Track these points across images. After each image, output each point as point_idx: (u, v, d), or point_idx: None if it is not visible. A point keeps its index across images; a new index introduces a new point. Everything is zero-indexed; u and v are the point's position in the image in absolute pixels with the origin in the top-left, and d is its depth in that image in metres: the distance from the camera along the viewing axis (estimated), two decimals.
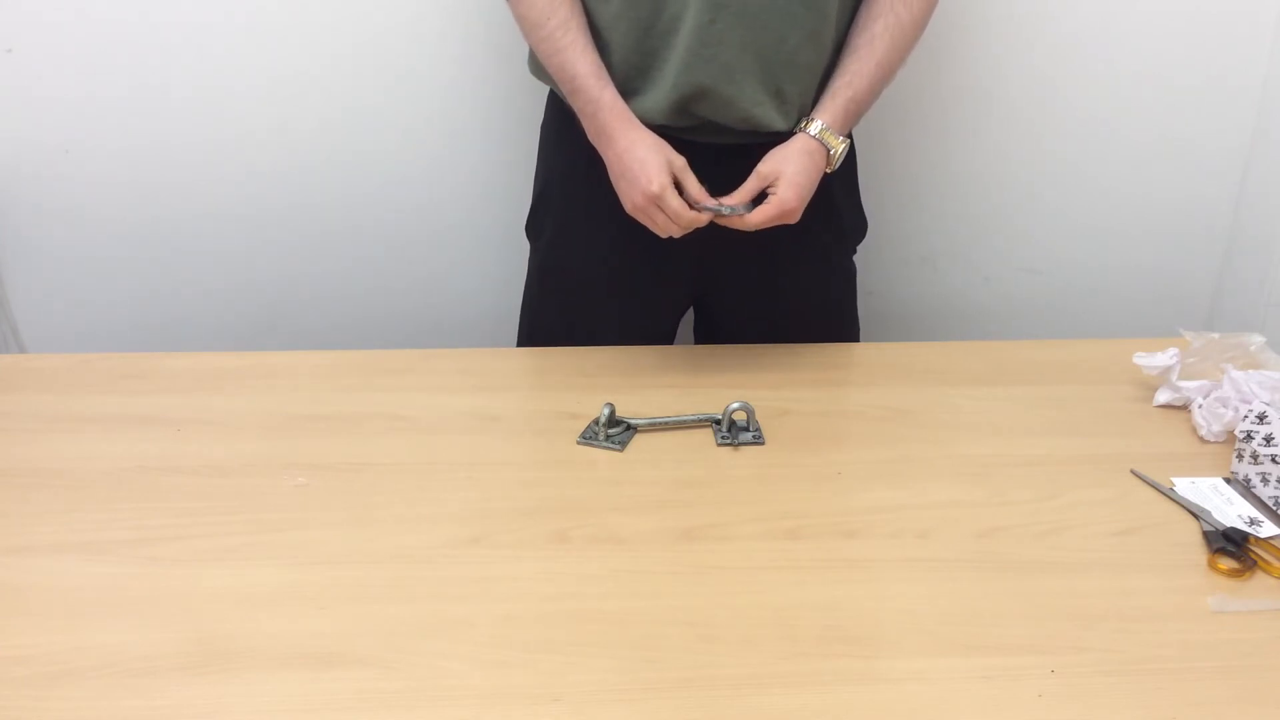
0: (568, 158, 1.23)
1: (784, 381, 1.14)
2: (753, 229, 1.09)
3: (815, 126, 1.10)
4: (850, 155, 1.27)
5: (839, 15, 1.12)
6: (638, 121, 1.09)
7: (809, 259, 1.24)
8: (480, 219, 1.58)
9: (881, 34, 1.12)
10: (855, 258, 1.31)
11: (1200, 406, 1.06)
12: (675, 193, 1.07)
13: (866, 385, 1.15)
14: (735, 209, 1.08)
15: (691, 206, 1.08)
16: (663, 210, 1.07)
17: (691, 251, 1.23)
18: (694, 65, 1.07)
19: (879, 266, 1.63)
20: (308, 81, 1.47)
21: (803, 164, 1.08)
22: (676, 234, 1.10)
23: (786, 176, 1.07)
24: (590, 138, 1.12)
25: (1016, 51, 1.52)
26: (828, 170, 1.12)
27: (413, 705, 0.70)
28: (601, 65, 1.10)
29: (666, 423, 1.05)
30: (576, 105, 1.11)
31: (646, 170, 1.06)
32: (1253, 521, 0.91)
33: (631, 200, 1.09)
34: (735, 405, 1.03)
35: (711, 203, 1.08)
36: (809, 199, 1.10)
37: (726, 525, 0.89)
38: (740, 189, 1.08)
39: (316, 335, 1.63)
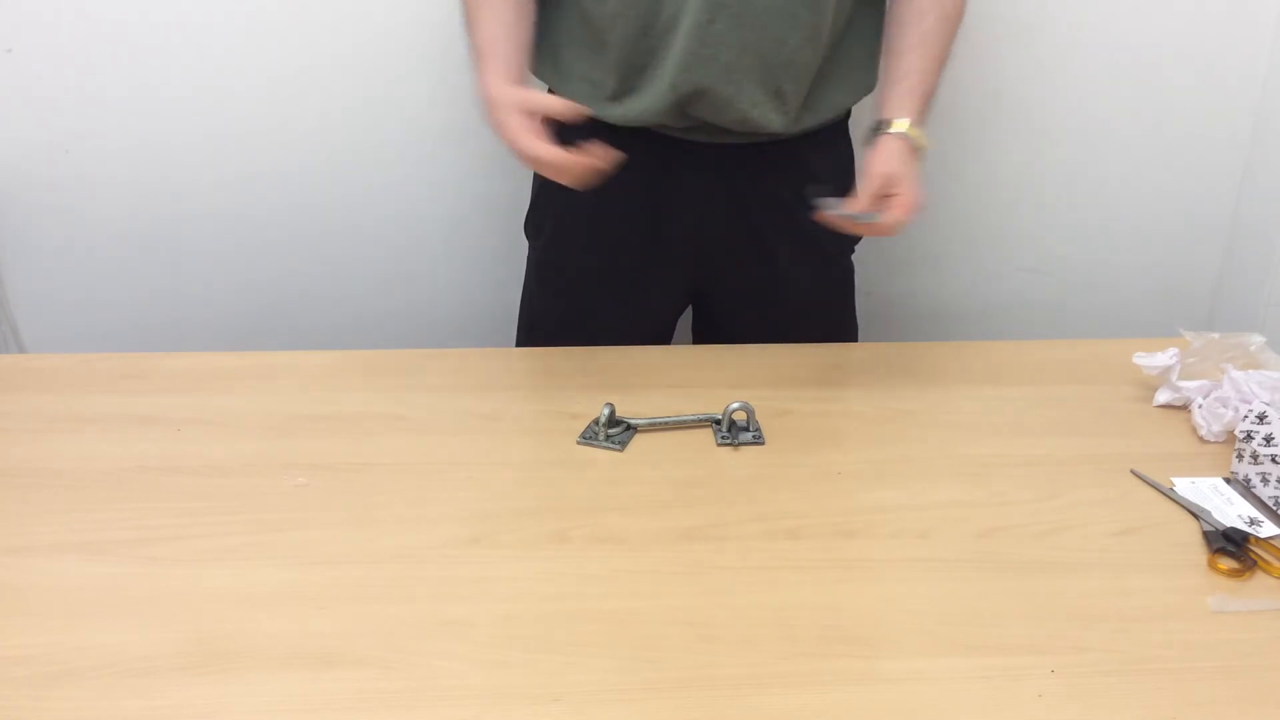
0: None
1: (784, 381, 1.14)
2: (892, 233, 1.05)
3: (898, 125, 1.08)
4: (849, 154, 1.27)
5: (836, 16, 1.12)
6: (504, 87, 1.03)
7: (807, 258, 1.25)
8: (479, 218, 1.58)
9: (935, 26, 1.11)
10: (854, 257, 1.31)
11: (1200, 406, 1.06)
12: (531, 138, 0.99)
13: (866, 385, 1.15)
14: (868, 215, 1.03)
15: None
16: (505, 128, 1.00)
17: (690, 249, 1.23)
18: (693, 65, 1.07)
19: (878, 266, 1.63)
20: (307, 81, 1.47)
21: (911, 162, 1.07)
22: (573, 176, 1.00)
23: (907, 177, 1.04)
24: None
25: (1016, 51, 1.52)
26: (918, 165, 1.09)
27: (413, 705, 0.70)
28: (496, 40, 1.07)
29: (666, 423, 1.05)
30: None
31: (502, 125, 1.01)
32: (1253, 521, 0.91)
33: (522, 160, 1.02)
34: (735, 405, 1.03)
35: (840, 209, 1.03)
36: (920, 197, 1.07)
37: (726, 525, 0.89)
38: (861, 193, 1.04)
39: (316, 335, 1.63)
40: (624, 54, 1.10)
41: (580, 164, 0.99)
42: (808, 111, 1.16)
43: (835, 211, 1.04)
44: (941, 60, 1.13)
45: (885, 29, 1.16)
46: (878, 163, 1.06)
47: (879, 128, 1.09)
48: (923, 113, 1.11)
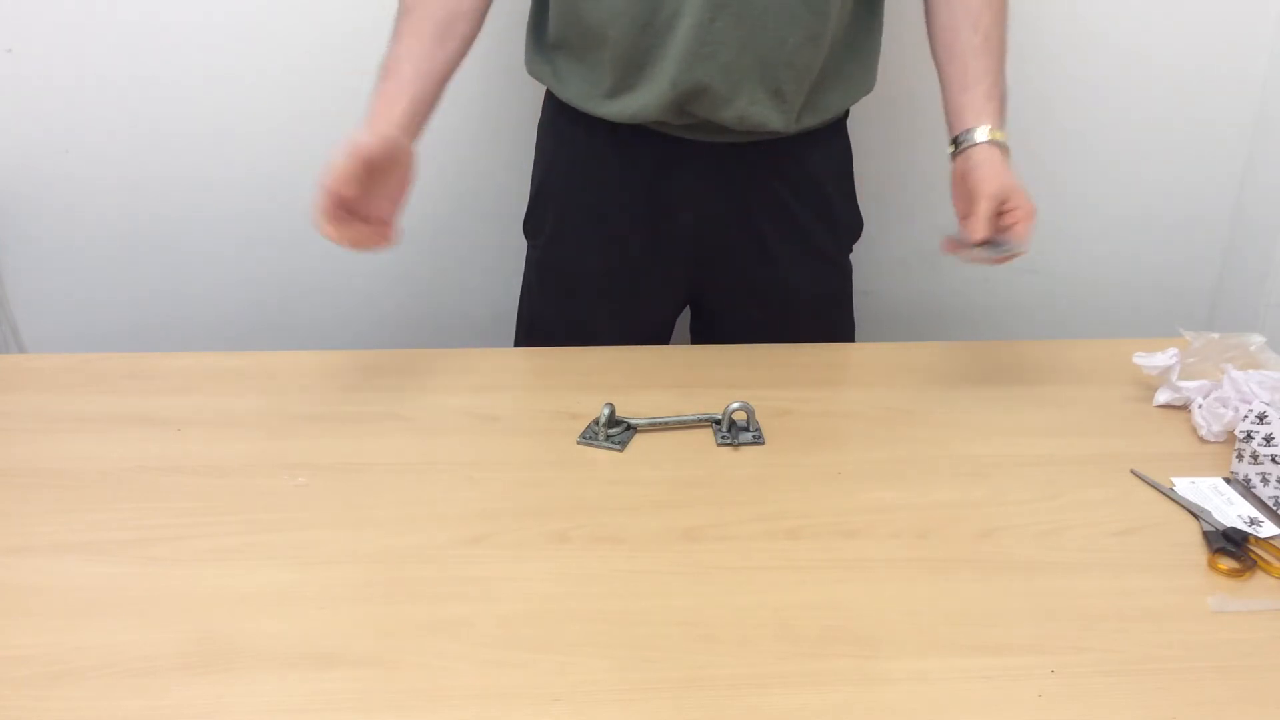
0: (565, 156, 1.23)
1: (784, 381, 1.14)
2: (1020, 241, 1.00)
3: (984, 132, 1.04)
4: (847, 153, 1.27)
5: (839, 16, 1.12)
6: (380, 121, 1.01)
7: (804, 258, 1.25)
8: (478, 218, 1.58)
9: (993, 26, 1.09)
10: (852, 257, 1.31)
11: (1200, 406, 1.06)
12: (338, 179, 0.95)
13: (866, 385, 1.15)
14: (1007, 244, 0.98)
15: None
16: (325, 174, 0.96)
17: (688, 249, 1.23)
18: (693, 64, 1.07)
19: (877, 266, 1.63)
20: (308, 81, 1.47)
21: (1004, 168, 1.03)
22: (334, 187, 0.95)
23: (1018, 187, 1.01)
24: None
25: (1015, 51, 1.52)
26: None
27: (413, 705, 0.70)
28: (408, 85, 1.04)
29: (666, 423, 1.05)
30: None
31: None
32: (1253, 521, 0.91)
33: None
34: (735, 405, 1.03)
35: (973, 247, 0.99)
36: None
37: (726, 525, 0.89)
38: (981, 220, 0.99)
39: (316, 335, 1.63)
40: (622, 51, 1.10)
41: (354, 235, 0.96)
42: (807, 111, 1.16)
43: (972, 252, 0.99)
44: (1005, 57, 1.10)
45: (937, 31, 1.12)
46: (986, 181, 1.00)
47: (965, 139, 1.05)
48: (1004, 115, 1.08)
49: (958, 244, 1.02)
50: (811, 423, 1.06)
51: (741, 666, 0.74)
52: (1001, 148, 1.05)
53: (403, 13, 1.07)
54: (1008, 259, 1.01)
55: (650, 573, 0.83)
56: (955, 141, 1.08)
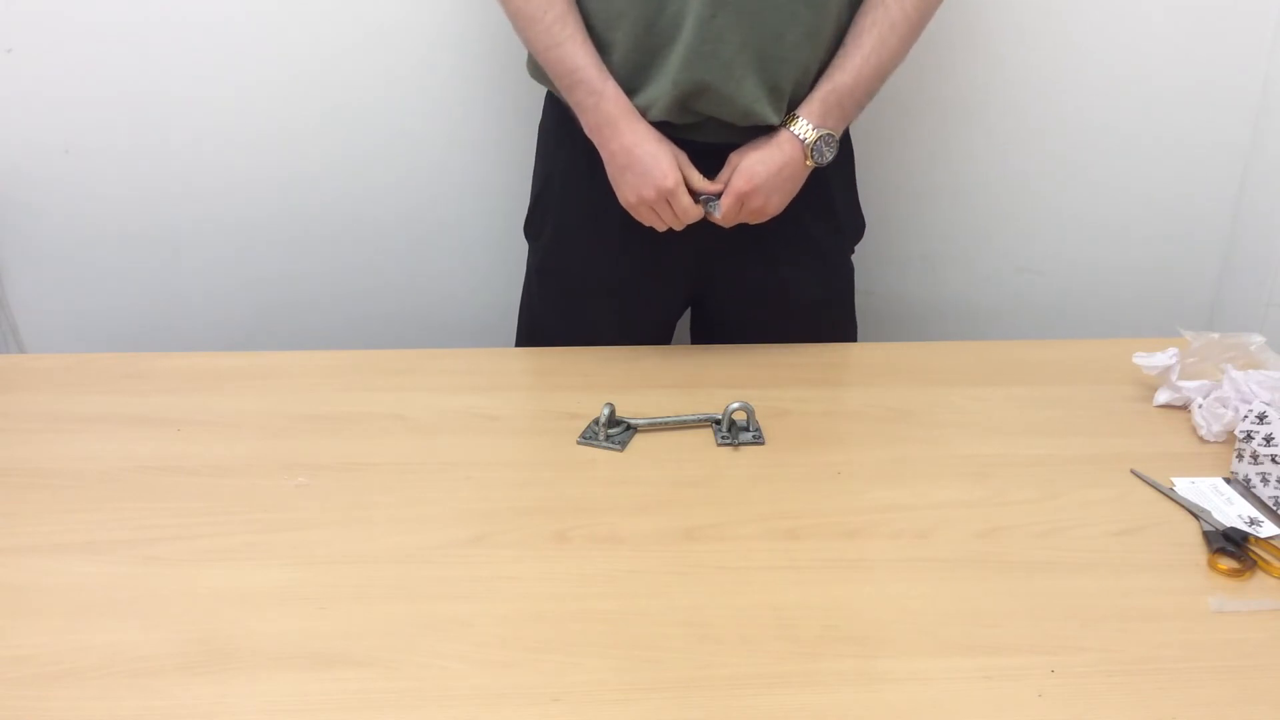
0: (566, 158, 1.23)
1: (784, 381, 1.14)
2: (726, 225, 1.12)
3: (796, 126, 1.11)
4: (848, 154, 1.27)
5: (839, 14, 1.12)
6: (640, 116, 1.10)
7: (806, 258, 1.25)
8: (479, 219, 1.58)
9: (869, 29, 1.11)
10: (854, 257, 1.31)
11: (1200, 406, 1.06)
12: (685, 188, 1.09)
13: (866, 385, 1.15)
14: (711, 199, 1.11)
15: (696, 200, 1.10)
16: (671, 205, 1.08)
17: (689, 251, 1.23)
18: (694, 61, 1.07)
19: (878, 266, 1.63)
20: (308, 82, 1.47)
21: (765, 154, 1.10)
22: (678, 228, 1.11)
23: (741, 166, 1.10)
24: (589, 132, 1.12)
25: (1016, 51, 1.52)
26: (812, 164, 1.12)
27: (413, 705, 0.70)
28: (600, 59, 1.10)
29: (666, 423, 1.05)
30: (576, 99, 1.11)
31: (660, 164, 1.08)
32: (1253, 521, 0.91)
33: (639, 194, 1.09)
34: (735, 405, 1.03)
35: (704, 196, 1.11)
36: (782, 189, 1.11)
37: (726, 525, 0.89)
38: (697, 180, 1.11)
39: (316, 335, 1.63)
40: (628, 53, 1.10)
41: (698, 215, 1.11)
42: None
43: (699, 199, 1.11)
44: (872, 61, 1.11)
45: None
46: (751, 158, 1.10)
47: (785, 122, 1.12)
48: (825, 108, 1.11)
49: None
50: (811, 423, 1.06)
51: (741, 666, 0.74)
52: (795, 136, 1.10)
53: (553, 21, 1.09)
54: (710, 216, 1.12)
55: (650, 573, 0.83)
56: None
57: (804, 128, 1.10)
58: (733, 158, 1.12)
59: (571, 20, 1.09)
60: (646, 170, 1.08)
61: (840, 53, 1.13)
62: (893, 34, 1.12)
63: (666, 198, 1.08)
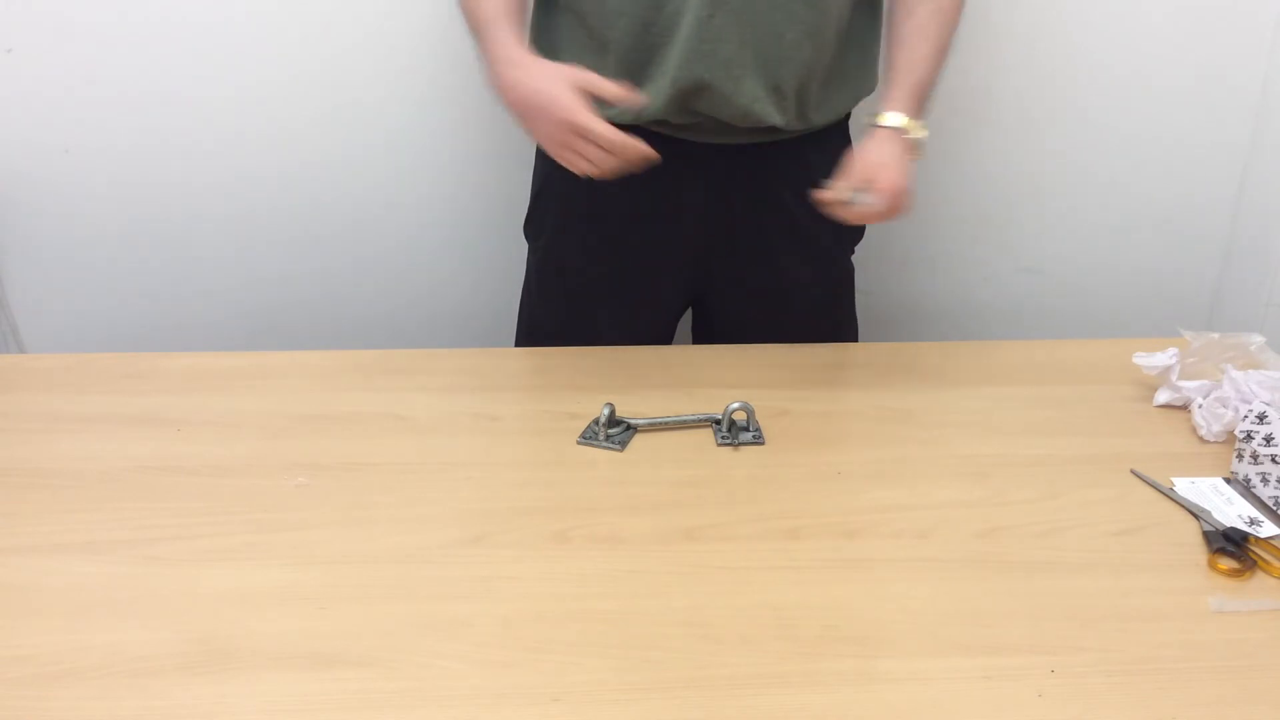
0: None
1: (784, 381, 1.14)
2: (879, 218, 1.06)
3: (893, 119, 1.09)
4: (849, 154, 1.27)
5: (840, 13, 1.12)
6: (535, 57, 1.03)
7: (807, 259, 1.25)
8: (479, 219, 1.58)
9: (930, 18, 1.12)
10: (854, 257, 1.31)
11: (1200, 406, 1.06)
12: (594, 114, 0.97)
13: (866, 385, 1.15)
14: (857, 196, 1.04)
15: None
16: (587, 137, 0.97)
17: (689, 251, 1.23)
18: (693, 60, 1.07)
19: (878, 266, 1.63)
20: (307, 81, 1.47)
21: (898, 154, 1.07)
22: (612, 164, 0.99)
23: (890, 165, 1.05)
24: (492, 88, 1.05)
25: (1016, 52, 1.52)
26: (914, 158, 1.10)
27: (413, 705, 0.70)
28: (511, 11, 1.05)
29: (666, 423, 1.05)
30: (481, 51, 1.06)
31: (553, 96, 0.97)
32: (1253, 521, 0.91)
33: (549, 136, 0.99)
34: (735, 405, 1.03)
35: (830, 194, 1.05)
36: (907, 185, 1.07)
37: (726, 525, 0.89)
38: (842, 181, 1.05)
39: (316, 335, 1.63)
40: (625, 53, 1.10)
41: (639, 148, 0.97)
42: (809, 111, 1.16)
43: (827, 194, 1.05)
44: (941, 49, 1.13)
45: (888, 23, 1.16)
46: (862, 153, 1.07)
47: (875, 121, 1.10)
48: (917, 105, 1.11)
49: (824, 194, 1.06)
50: (811, 423, 1.06)
51: (741, 666, 0.74)
52: (904, 134, 1.08)
53: None
54: (856, 212, 1.05)
55: (650, 573, 0.83)
56: (866, 125, 1.11)
57: (909, 124, 1.08)
58: (856, 165, 1.06)
59: None
60: (543, 107, 0.98)
61: (906, 45, 1.12)
62: (950, 19, 1.13)
63: (575, 130, 0.97)
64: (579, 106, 0.97)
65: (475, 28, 1.09)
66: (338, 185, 1.55)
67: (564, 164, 1.01)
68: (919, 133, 1.10)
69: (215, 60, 1.46)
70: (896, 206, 1.06)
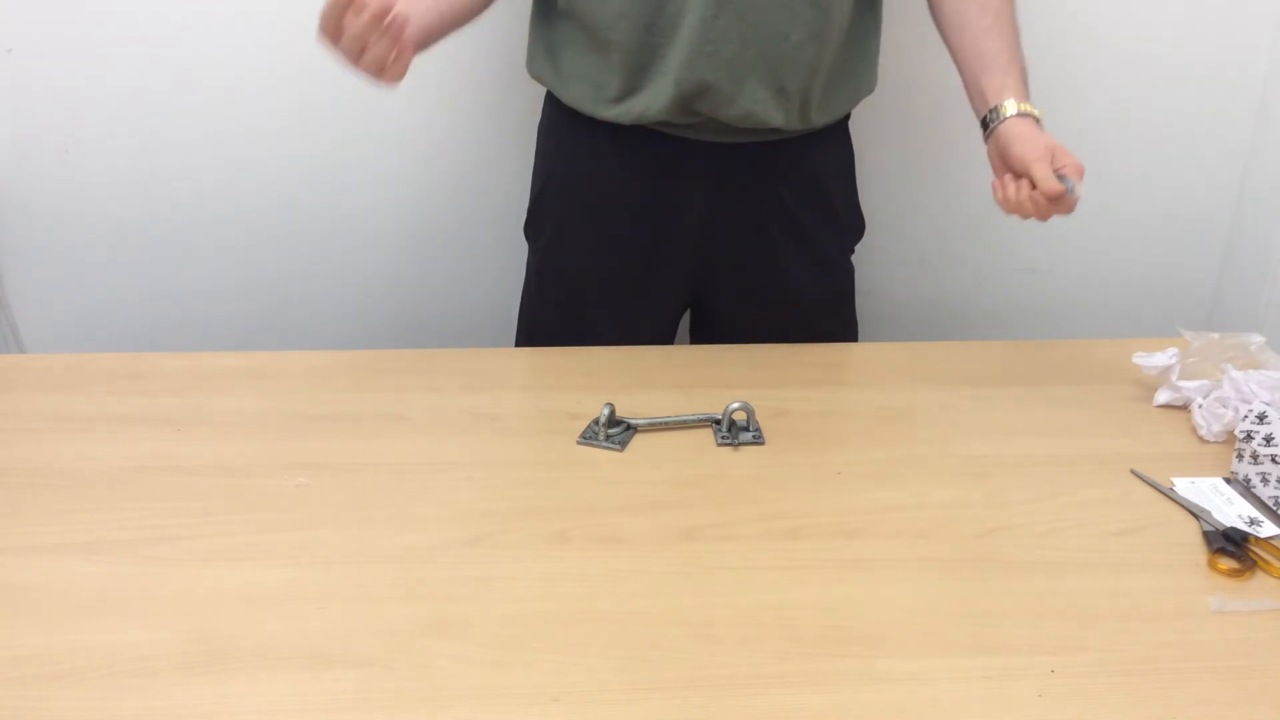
0: (566, 158, 1.23)
1: (784, 381, 1.14)
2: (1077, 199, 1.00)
3: (1011, 106, 1.04)
4: (848, 154, 1.27)
5: (842, 13, 1.12)
6: None
7: (807, 259, 1.25)
8: (479, 219, 1.58)
9: (1001, 6, 1.09)
10: (854, 257, 1.31)
11: (1200, 406, 1.06)
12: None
13: (866, 385, 1.15)
14: (1069, 183, 0.98)
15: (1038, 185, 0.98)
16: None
17: (689, 251, 1.23)
18: (696, 61, 1.07)
19: (878, 266, 1.63)
20: (308, 82, 1.47)
21: (1044, 134, 1.03)
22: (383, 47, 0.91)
23: (1059, 146, 1.01)
24: None
25: None
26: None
27: (413, 705, 0.70)
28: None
29: (666, 423, 1.05)
30: None
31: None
32: (1253, 521, 0.91)
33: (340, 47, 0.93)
34: (735, 405, 1.03)
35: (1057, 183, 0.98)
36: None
37: (726, 525, 0.89)
38: (1045, 181, 0.98)
39: (316, 335, 1.63)
40: (628, 53, 1.10)
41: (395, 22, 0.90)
42: (816, 110, 1.16)
43: (1045, 188, 0.98)
44: (1018, 36, 1.10)
45: (946, 20, 1.13)
46: (1030, 148, 1.00)
47: (994, 117, 1.05)
48: (1026, 88, 1.07)
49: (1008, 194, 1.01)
50: (811, 423, 1.06)
51: (741, 666, 0.74)
52: (1032, 117, 1.04)
53: None
54: (1067, 201, 0.99)
55: (650, 573, 0.83)
56: (985, 123, 1.07)
57: (1031, 107, 1.05)
58: (1028, 154, 1.00)
59: None
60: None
61: (991, 37, 1.08)
62: (1014, 6, 1.11)
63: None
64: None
65: None
66: (338, 185, 1.55)
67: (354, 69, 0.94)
68: (1038, 112, 1.05)
69: (215, 60, 1.46)
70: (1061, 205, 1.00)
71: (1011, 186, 1.02)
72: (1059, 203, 0.99)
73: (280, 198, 1.55)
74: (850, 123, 1.27)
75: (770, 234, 1.22)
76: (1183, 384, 1.09)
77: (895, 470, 0.98)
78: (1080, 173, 0.99)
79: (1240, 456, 0.97)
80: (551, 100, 1.26)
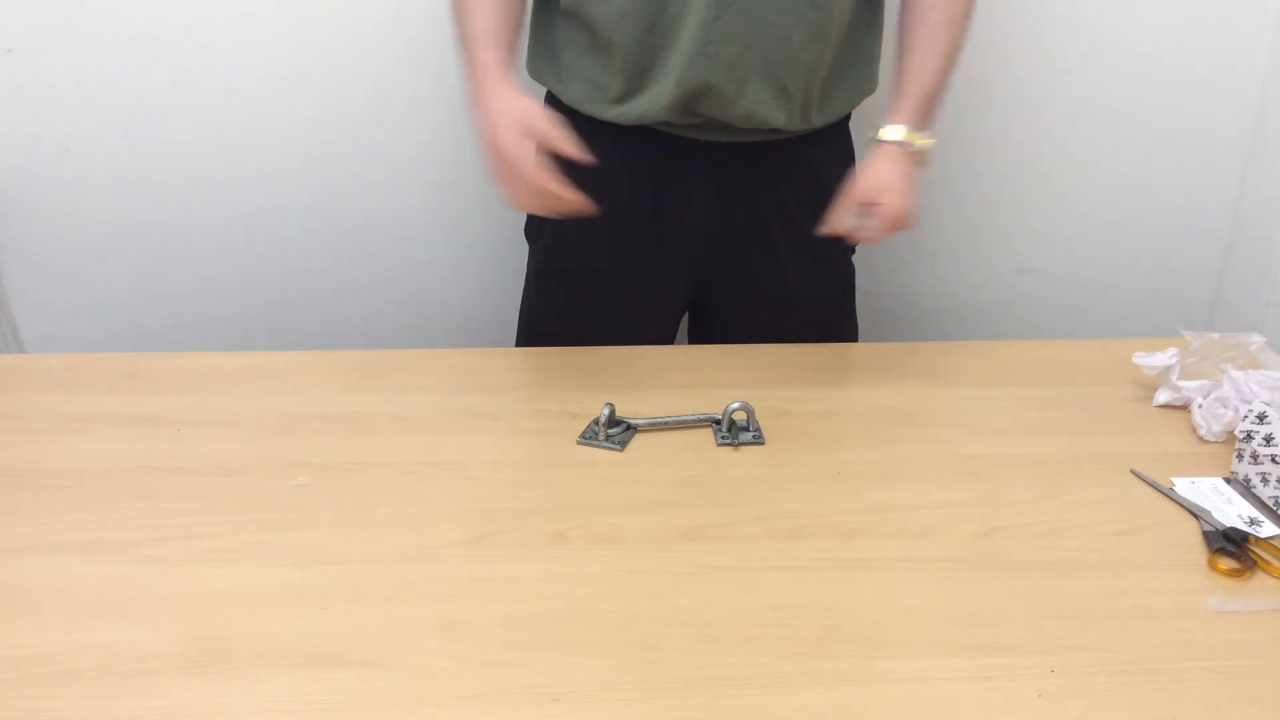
0: (566, 158, 1.23)
1: (784, 381, 1.14)
2: (874, 241, 1.09)
3: (895, 133, 1.09)
4: (850, 154, 1.27)
5: (842, 13, 1.12)
6: (513, 84, 1.04)
7: (807, 259, 1.24)
8: (479, 219, 1.58)
9: (941, 25, 1.11)
10: (854, 257, 1.31)
11: (1200, 406, 1.06)
12: (522, 143, 0.99)
13: (866, 385, 1.15)
14: (863, 228, 1.07)
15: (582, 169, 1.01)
16: (511, 165, 1.00)
17: (689, 251, 1.23)
18: (697, 62, 1.07)
19: (878, 266, 1.63)
20: (308, 81, 1.47)
21: (901, 170, 1.08)
22: (528, 200, 1.03)
23: (893, 187, 1.06)
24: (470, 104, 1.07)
25: (1016, 51, 1.52)
26: (921, 168, 1.10)
27: (413, 705, 0.70)
28: (499, 30, 1.06)
29: (666, 423, 1.05)
30: (466, 70, 1.07)
31: (493, 120, 1.01)
32: (1253, 521, 0.91)
33: (493, 170, 1.03)
34: (735, 405, 1.03)
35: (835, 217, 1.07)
36: (908, 194, 1.07)
37: (726, 525, 0.89)
38: (845, 201, 1.07)
39: (316, 335, 1.63)
40: (629, 54, 1.10)
41: (573, 201, 1.01)
42: (817, 111, 1.16)
43: (832, 221, 1.07)
44: (951, 56, 1.12)
45: (898, 34, 1.16)
46: (865, 173, 1.07)
47: (875, 137, 1.10)
48: (924, 115, 1.11)
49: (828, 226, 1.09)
50: (811, 423, 1.06)
51: (741, 666, 0.74)
52: (909, 147, 1.08)
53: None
54: (858, 232, 1.08)
55: (650, 573, 0.83)
56: (872, 136, 1.11)
57: (913, 136, 1.09)
58: (859, 186, 1.07)
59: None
60: (482, 128, 1.02)
61: (915, 53, 1.11)
62: (960, 26, 1.12)
63: (497, 154, 1.00)
64: (511, 131, 0.99)
65: (460, 43, 1.08)
66: (338, 185, 1.55)
67: (506, 200, 1.05)
68: (923, 143, 1.10)
69: (214, 60, 1.46)
70: (898, 228, 1.06)
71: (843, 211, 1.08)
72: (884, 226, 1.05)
73: (280, 198, 1.55)
74: (851, 123, 1.27)
75: (771, 234, 1.22)
76: (1183, 384, 1.09)
77: (895, 470, 0.98)
78: (892, 217, 1.05)
79: (1240, 456, 0.97)
80: (552, 101, 1.26)
